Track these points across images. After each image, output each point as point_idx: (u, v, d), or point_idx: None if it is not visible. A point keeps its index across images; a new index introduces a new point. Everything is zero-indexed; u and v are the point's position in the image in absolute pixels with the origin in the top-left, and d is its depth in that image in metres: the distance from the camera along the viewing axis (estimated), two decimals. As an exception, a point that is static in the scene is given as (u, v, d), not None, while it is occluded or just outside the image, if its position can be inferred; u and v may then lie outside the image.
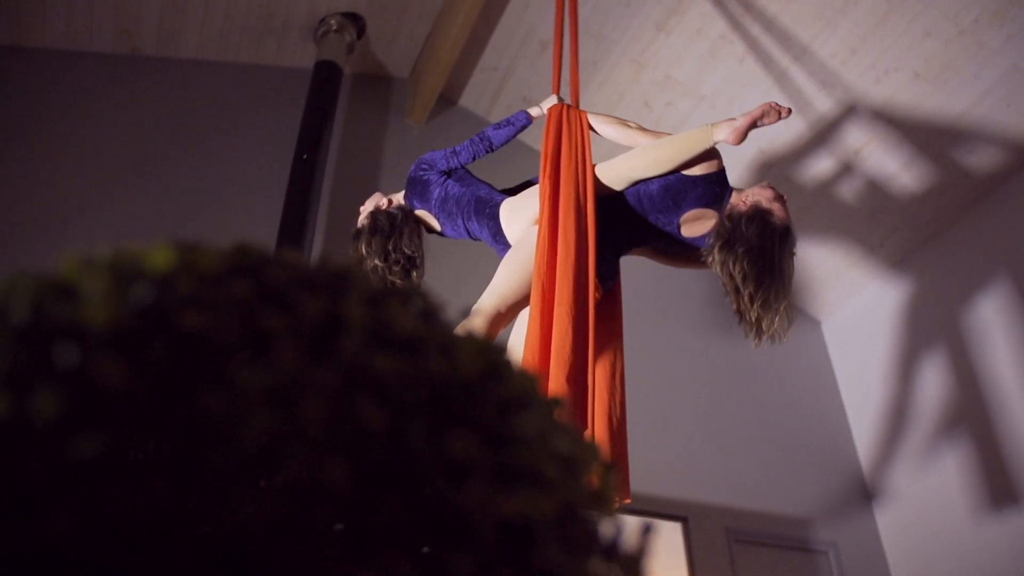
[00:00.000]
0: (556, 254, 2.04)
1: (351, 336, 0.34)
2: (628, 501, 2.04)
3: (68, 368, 0.30)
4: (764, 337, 2.14)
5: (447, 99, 4.90)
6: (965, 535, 4.19)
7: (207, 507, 0.29)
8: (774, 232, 2.12)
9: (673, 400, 4.43)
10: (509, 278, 2.12)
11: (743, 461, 4.47)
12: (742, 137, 2.21)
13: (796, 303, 2.20)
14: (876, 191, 4.57)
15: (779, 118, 2.25)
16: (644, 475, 4.01)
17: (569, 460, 0.37)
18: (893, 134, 4.35)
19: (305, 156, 4.01)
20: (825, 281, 5.05)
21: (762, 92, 4.34)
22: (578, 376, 1.86)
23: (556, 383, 1.81)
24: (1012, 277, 4.27)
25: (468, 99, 4.93)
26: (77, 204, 3.71)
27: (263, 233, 3.85)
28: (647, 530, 0.37)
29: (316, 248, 4.02)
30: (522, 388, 0.38)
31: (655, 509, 3.86)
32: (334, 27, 4.39)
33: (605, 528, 0.37)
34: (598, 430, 1.91)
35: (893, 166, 4.46)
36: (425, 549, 0.30)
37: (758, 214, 2.13)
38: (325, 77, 4.30)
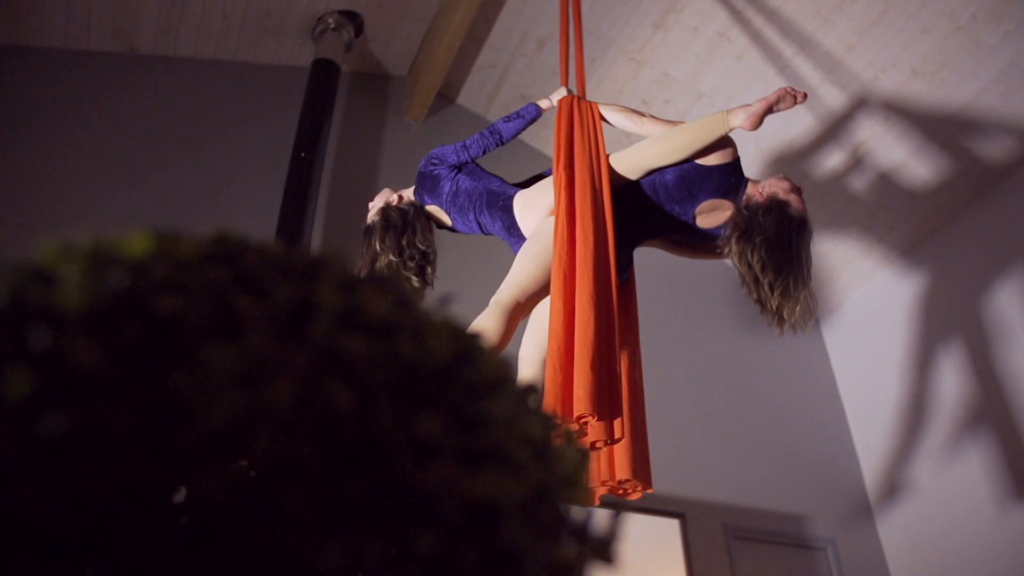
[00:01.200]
0: (575, 244, 2.04)
1: (322, 320, 0.34)
2: (651, 491, 2.05)
3: (41, 350, 0.30)
4: (786, 326, 2.15)
5: (445, 97, 4.90)
6: (965, 531, 4.20)
7: (176, 483, 0.30)
8: (792, 223, 2.12)
9: (671, 396, 4.43)
10: (528, 269, 2.12)
11: (741, 458, 4.48)
12: (758, 122, 2.19)
13: (815, 293, 2.20)
14: (874, 188, 4.58)
15: (795, 103, 2.24)
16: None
17: (540, 444, 0.38)
18: (889, 131, 4.35)
19: (303, 154, 4.01)
20: (823, 278, 5.05)
21: (759, 89, 4.34)
22: (603, 363, 1.86)
23: (581, 371, 1.81)
24: (1006, 274, 4.27)
25: (466, 97, 4.93)
26: (75, 203, 3.72)
27: (260, 231, 3.86)
28: (616, 515, 0.38)
29: (314, 246, 4.03)
30: (494, 372, 0.38)
31: (652, 506, 3.87)
32: (332, 25, 4.39)
33: (575, 512, 0.37)
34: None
35: (891, 162, 4.46)
36: (392, 527, 0.31)
37: (775, 205, 2.13)
38: (323, 75, 4.30)
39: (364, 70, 4.84)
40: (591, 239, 2.03)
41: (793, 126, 4.42)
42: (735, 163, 2.24)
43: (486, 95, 4.89)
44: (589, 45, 4.44)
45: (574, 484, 0.39)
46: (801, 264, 2.12)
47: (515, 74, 4.73)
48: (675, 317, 4.84)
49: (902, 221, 4.68)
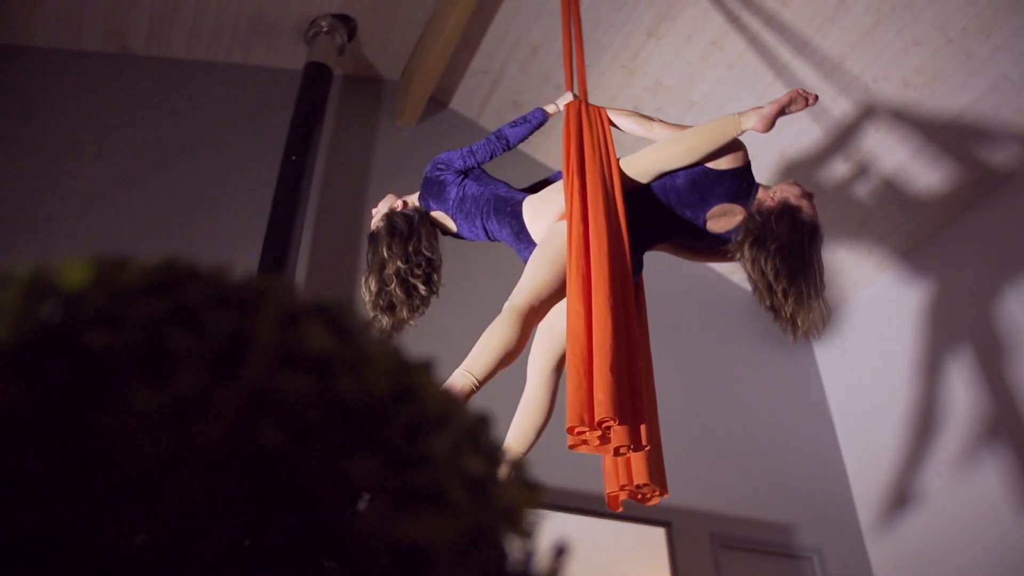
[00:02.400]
0: (590, 248, 2.04)
1: (255, 356, 0.34)
2: (667, 495, 2.04)
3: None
4: (799, 333, 2.14)
5: (438, 102, 4.90)
6: (952, 541, 4.20)
7: (97, 527, 0.29)
8: (804, 228, 2.13)
9: (659, 404, 4.43)
10: (541, 273, 2.11)
11: (729, 466, 4.48)
12: (770, 125, 2.19)
13: (828, 299, 2.20)
14: (864, 199, 4.59)
15: (806, 104, 2.24)
16: (629, 480, 4.03)
17: (481, 482, 0.37)
18: (880, 142, 4.37)
19: (294, 157, 4.01)
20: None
21: (751, 99, 4.35)
22: (622, 367, 1.86)
23: (600, 375, 1.81)
24: (996, 284, 4.28)
25: (459, 102, 4.93)
26: (65, 204, 3.70)
27: (250, 234, 3.85)
28: (560, 552, 0.37)
29: (304, 250, 4.02)
30: (437, 408, 0.38)
31: (639, 514, 3.86)
32: (325, 28, 4.39)
33: (516, 551, 0.37)
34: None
35: (883, 173, 4.48)
36: (317, 571, 0.30)
37: (787, 210, 2.13)
38: (315, 78, 4.29)
39: (357, 74, 4.84)
40: (605, 243, 2.03)
41: (783, 137, 4.42)
42: (746, 167, 2.24)
43: (479, 100, 4.88)
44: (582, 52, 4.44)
45: (517, 522, 0.38)
46: (814, 271, 2.12)
47: (508, 79, 4.73)
48: (664, 326, 4.83)
49: (891, 233, 4.69)
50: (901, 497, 4.56)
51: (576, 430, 1.81)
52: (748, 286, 5.18)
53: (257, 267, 3.66)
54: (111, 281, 0.38)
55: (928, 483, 4.39)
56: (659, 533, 3.80)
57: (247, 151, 4.24)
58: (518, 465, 0.43)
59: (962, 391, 4.30)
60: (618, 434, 1.82)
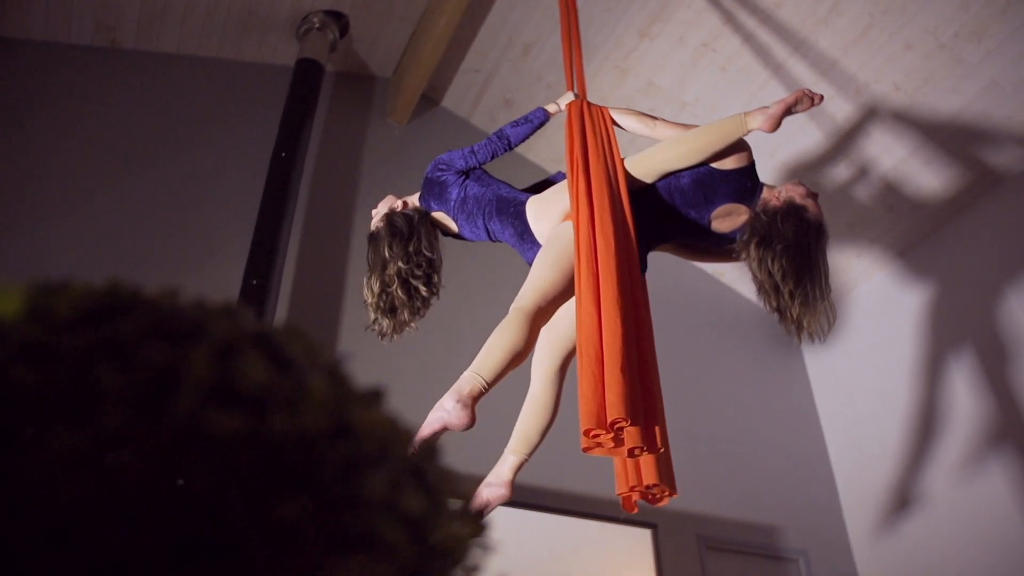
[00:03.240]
0: (597, 249, 2.02)
1: (185, 394, 0.33)
2: (676, 495, 2.03)
3: None
4: (804, 334, 2.14)
5: (430, 100, 4.88)
6: (937, 544, 4.22)
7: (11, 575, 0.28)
8: (810, 228, 2.12)
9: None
10: (548, 274, 2.10)
11: (715, 468, 4.48)
12: (777, 124, 2.18)
13: (835, 302, 2.20)
14: (853, 203, 4.59)
15: (812, 104, 2.23)
16: (610, 481, 4.02)
17: (420, 521, 0.36)
18: (870, 146, 4.37)
19: (283, 154, 3.99)
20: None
21: (743, 100, 4.35)
22: (632, 367, 1.85)
23: (612, 376, 1.80)
24: (985, 289, 4.29)
25: (451, 100, 4.92)
26: (52, 198, 3.68)
27: (239, 232, 3.83)
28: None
29: (293, 248, 4.00)
30: (376, 444, 0.37)
31: (625, 516, 3.86)
32: (317, 25, 4.37)
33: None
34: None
35: (872, 177, 4.48)
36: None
37: (793, 210, 2.12)
38: (306, 75, 4.27)
39: (348, 70, 4.82)
40: (612, 244, 2.01)
41: (771, 138, 4.42)
42: (751, 167, 2.23)
43: (471, 99, 4.87)
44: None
45: (459, 559, 0.38)
46: (820, 272, 2.12)
47: (500, 78, 4.71)
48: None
49: (881, 237, 4.70)
50: (888, 500, 4.57)
51: (592, 432, 1.79)
52: (736, 287, 5.18)
53: (245, 266, 3.64)
54: (43, 311, 0.37)
55: (916, 486, 4.40)
56: (645, 535, 3.80)
57: (237, 147, 4.22)
58: (466, 500, 0.42)
59: (952, 394, 4.31)
60: (631, 435, 1.81)
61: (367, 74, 4.87)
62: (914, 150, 4.32)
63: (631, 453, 1.85)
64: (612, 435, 1.80)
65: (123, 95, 4.14)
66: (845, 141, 4.38)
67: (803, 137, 4.42)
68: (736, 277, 5.21)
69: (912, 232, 4.70)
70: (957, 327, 4.38)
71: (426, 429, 1.88)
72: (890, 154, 4.36)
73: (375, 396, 0.41)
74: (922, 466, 4.38)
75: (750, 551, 4.42)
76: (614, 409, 1.76)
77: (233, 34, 4.39)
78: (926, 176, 4.42)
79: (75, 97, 4.04)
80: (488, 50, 4.61)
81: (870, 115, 4.25)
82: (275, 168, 3.97)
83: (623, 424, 1.78)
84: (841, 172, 4.52)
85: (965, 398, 4.23)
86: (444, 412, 1.87)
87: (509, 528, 3.47)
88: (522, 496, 2.65)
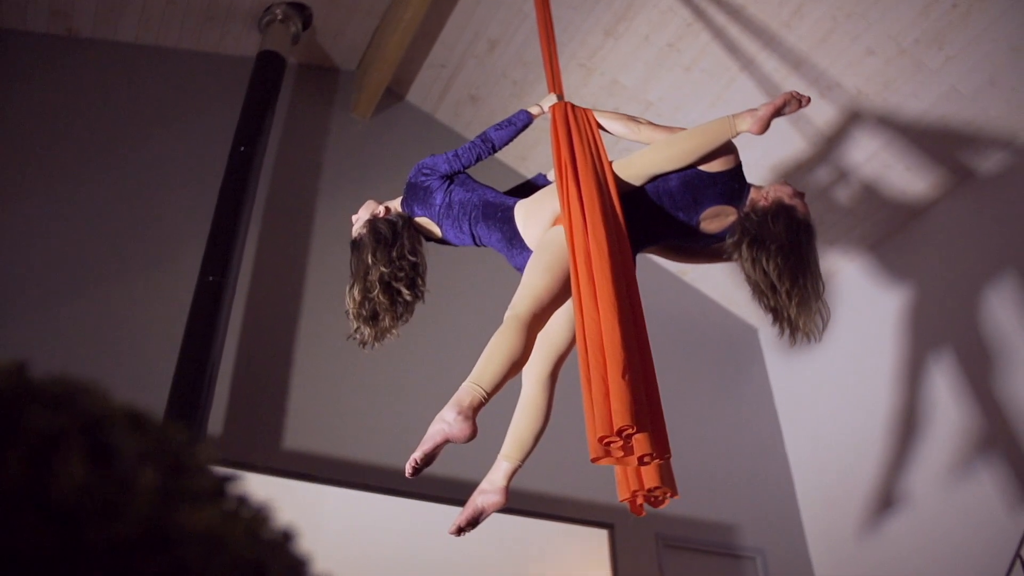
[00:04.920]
0: (591, 254, 2.01)
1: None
2: (678, 496, 2.02)
3: None
4: (799, 335, 2.14)
5: (394, 94, 4.84)
6: (891, 543, 4.28)
7: None
8: (800, 228, 2.13)
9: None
10: (542, 280, 2.08)
11: (676, 466, 4.47)
12: (765, 127, 2.17)
13: (827, 302, 2.20)
14: (812, 204, 4.62)
15: (800, 107, 2.23)
16: (572, 480, 4.03)
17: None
18: (829, 151, 4.40)
19: (243, 148, 3.93)
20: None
21: (706, 102, 4.36)
22: (635, 372, 1.83)
23: (615, 383, 1.79)
24: (938, 294, 4.35)
25: (415, 95, 4.88)
26: (3, 188, 3.60)
27: (196, 226, 3.78)
28: None
29: (251, 243, 3.95)
30: (199, 554, 0.35)
31: (582, 516, 3.88)
32: (279, 16, 4.31)
33: None
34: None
35: (830, 180, 4.51)
36: None
37: (782, 210, 2.13)
38: (268, 67, 4.21)
39: (311, 63, 4.76)
40: (606, 249, 2.00)
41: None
42: (737, 168, 2.23)
43: (436, 94, 4.83)
44: (539, 49, 4.40)
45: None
46: (814, 272, 2.13)
47: (466, 73, 4.68)
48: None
49: (840, 238, 4.74)
50: (846, 499, 4.62)
51: (605, 440, 1.78)
52: (697, 286, 5.19)
53: (201, 262, 3.59)
54: None
55: (873, 487, 4.45)
56: (602, 535, 3.82)
57: (195, 140, 4.15)
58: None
59: (913, 395, 4.36)
60: (640, 442, 1.79)
61: (330, 67, 4.82)
62: (874, 153, 4.35)
63: (641, 461, 1.84)
64: (623, 443, 1.78)
65: (79, 85, 4.06)
66: (809, 143, 4.41)
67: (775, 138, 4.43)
68: (698, 276, 5.23)
69: (872, 234, 4.75)
70: (917, 327, 4.43)
71: (428, 443, 1.86)
72: (849, 158, 4.40)
73: (216, 490, 0.39)
74: (880, 466, 4.43)
75: (708, 549, 4.46)
76: (619, 417, 1.75)
77: (194, 24, 4.31)
78: (888, 179, 4.46)
79: (29, 87, 3.95)
80: (453, 45, 4.57)
81: (833, 118, 4.27)
82: (234, 162, 3.91)
83: (630, 431, 1.76)
84: (802, 173, 4.54)
85: (925, 399, 4.29)
86: (445, 425, 1.86)
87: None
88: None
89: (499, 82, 4.64)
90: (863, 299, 4.74)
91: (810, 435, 4.97)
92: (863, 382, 4.65)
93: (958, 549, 3.96)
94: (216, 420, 3.49)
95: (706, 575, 4.40)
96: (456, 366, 4.17)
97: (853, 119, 4.25)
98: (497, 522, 3.54)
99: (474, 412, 1.88)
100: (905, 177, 4.42)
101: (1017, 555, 3.38)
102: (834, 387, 4.85)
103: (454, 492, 3.24)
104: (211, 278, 3.55)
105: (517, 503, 3.83)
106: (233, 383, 3.66)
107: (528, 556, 3.29)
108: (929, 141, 4.24)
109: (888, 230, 4.70)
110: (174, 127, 4.13)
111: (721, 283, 5.26)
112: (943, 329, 4.31)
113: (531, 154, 4.74)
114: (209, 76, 4.39)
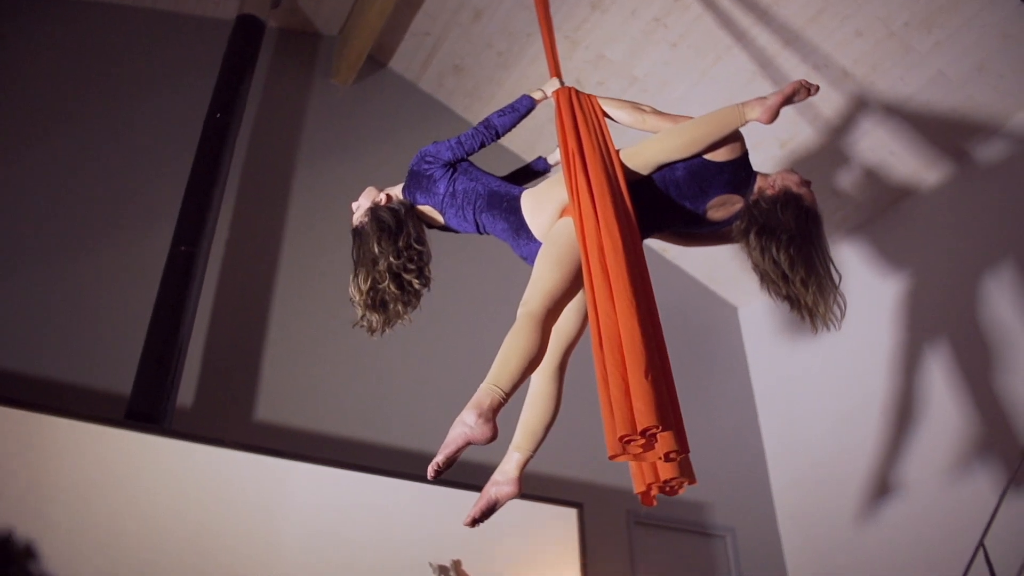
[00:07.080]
0: (603, 246, 1.97)
1: None
2: (695, 483, 2.00)
3: None
4: (818, 322, 2.13)
5: (376, 61, 4.75)
6: (860, 526, 4.32)
7: None
8: (808, 216, 2.11)
9: (570, 377, 4.44)
10: (552, 275, 2.04)
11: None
12: (775, 115, 2.15)
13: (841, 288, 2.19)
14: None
15: (809, 95, 2.20)
16: (540, 457, 4.02)
17: None
18: (815, 131, 4.36)
19: (219, 115, 3.85)
20: (743, 267, 5.08)
21: (692, 78, 4.30)
22: (656, 368, 1.79)
23: (636, 382, 1.76)
24: (911, 281, 4.35)
25: (398, 62, 4.79)
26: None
27: (169, 195, 3.71)
28: None
29: (226, 212, 3.89)
30: None
31: (551, 495, 3.88)
32: (259, -22, 4.20)
33: None
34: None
35: (814, 163, 4.48)
36: None
37: (790, 199, 2.10)
38: (246, 31, 4.11)
39: (291, 28, 4.65)
40: (619, 241, 1.96)
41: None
42: (744, 157, 2.20)
43: (419, 62, 4.75)
44: (524, 19, 4.33)
45: None
46: (827, 259, 2.11)
47: (450, 43, 4.59)
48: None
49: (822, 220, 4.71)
50: (816, 481, 4.66)
51: (626, 438, 1.75)
52: (679, 263, 5.16)
53: (174, 231, 3.53)
54: None
55: (846, 469, 4.49)
56: (571, 513, 3.83)
57: (170, 106, 4.06)
58: None
59: (888, 382, 4.38)
60: (665, 440, 1.75)
61: (311, 32, 4.72)
62: (859, 136, 4.32)
63: (667, 457, 1.81)
64: (644, 441, 1.76)
65: (48, 45, 3.94)
66: (792, 124, 4.36)
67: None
68: (679, 254, 5.21)
69: (854, 216, 4.73)
70: (897, 312, 4.44)
71: (450, 447, 1.84)
72: (833, 140, 4.36)
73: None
74: (854, 449, 4.46)
75: (679, 527, 4.50)
76: (643, 417, 1.71)
77: (170, -16, 4.20)
78: (872, 163, 4.43)
79: (-1, 44, 3.84)
80: (438, 13, 4.48)
81: (821, 100, 4.22)
82: (209, 129, 3.84)
83: (655, 431, 1.74)
84: (784, 154, 4.50)
85: (902, 383, 4.31)
86: (467, 428, 1.84)
87: (432, 507, 3.47)
88: (447, 475, 2.62)
89: (484, 52, 4.56)
90: (843, 282, 4.73)
91: (785, 416, 4.99)
92: (841, 365, 4.67)
93: (927, 531, 4.00)
94: (187, 392, 3.46)
95: (677, 553, 4.44)
96: (434, 343, 4.16)
97: (839, 102, 4.20)
98: (465, 500, 3.54)
99: (494, 414, 1.86)
100: (889, 161, 4.39)
101: (981, 543, 3.42)
102: (811, 369, 4.86)
103: (421, 468, 3.23)
104: (183, 248, 3.50)
105: (484, 480, 3.84)
106: (205, 355, 3.62)
107: (496, 535, 3.30)
108: (915, 125, 4.20)
109: (871, 214, 4.68)
110: (148, 91, 4.04)
111: (702, 262, 5.24)
112: (923, 314, 4.31)
113: (538, 142, 4.65)
114: (185, 39, 4.28)
